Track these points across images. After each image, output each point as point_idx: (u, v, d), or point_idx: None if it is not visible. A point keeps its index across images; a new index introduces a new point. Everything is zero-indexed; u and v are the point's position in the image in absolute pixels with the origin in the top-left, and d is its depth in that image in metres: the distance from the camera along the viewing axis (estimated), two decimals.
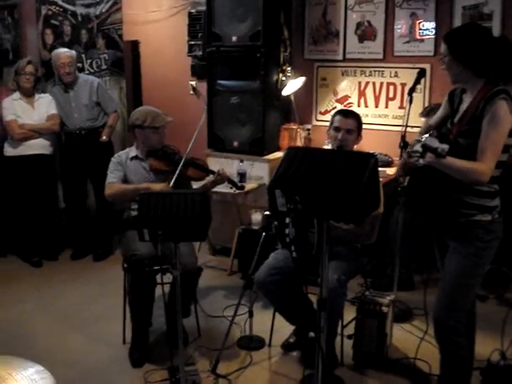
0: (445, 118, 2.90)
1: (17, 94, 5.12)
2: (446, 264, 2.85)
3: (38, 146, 5.14)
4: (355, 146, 3.64)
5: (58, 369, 3.28)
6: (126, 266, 3.71)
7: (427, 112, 4.25)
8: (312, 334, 3.58)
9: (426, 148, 2.57)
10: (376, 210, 2.59)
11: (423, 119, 4.28)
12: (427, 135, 2.64)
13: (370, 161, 2.09)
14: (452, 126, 2.78)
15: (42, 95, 5.20)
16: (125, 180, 3.86)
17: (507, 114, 2.57)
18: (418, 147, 2.59)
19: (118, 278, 3.92)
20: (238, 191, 4.32)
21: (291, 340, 3.75)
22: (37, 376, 1.41)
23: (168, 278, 3.22)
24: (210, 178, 3.93)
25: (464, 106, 2.75)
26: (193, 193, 3.16)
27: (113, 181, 3.82)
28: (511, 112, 2.57)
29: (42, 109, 5.16)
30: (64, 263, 5.37)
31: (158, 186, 3.72)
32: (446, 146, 2.53)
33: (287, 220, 3.24)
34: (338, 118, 3.56)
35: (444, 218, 2.80)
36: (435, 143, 2.55)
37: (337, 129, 3.53)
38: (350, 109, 4.61)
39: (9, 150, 5.15)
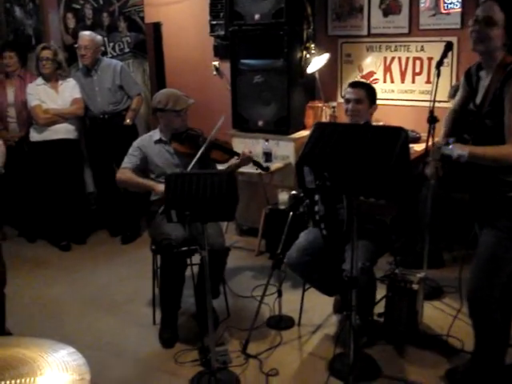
0: (465, 101, 2.84)
1: (40, 80, 5.14)
2: (481, 239, 2.81)
3: (63, 131, 5.15)
4: (374, 115, 3.61)
5: (89, 351, 3.26)
6: (154, 248, 3.71)
7: (454, 92, 4.16)
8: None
9: (445, 157, 2.59)
10: (409, 184, 2.54)
11: (452, 100, 4.20)
12: (443, 144, 2.62)
13: (401, 134, 2.04)
14: (475, 108, 2.71)
15: (67, 80, 5.20)
16: (146, 164, 3.85)
17: None
18: (437, 157, 2.66)
19: (147, 260, 3.93)
20: (263, 172, 4.29)
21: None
22: (68, 358, 1.41)
23: (197, 259, 3.22)
24: (235, 160, 3.90)
25: (483, 84, 2.69)
26: (219, 173, 3.14)
27: (126, 166, 3.84)
28: None
29: (66, 93, 5.17)
30: (92, 247, 5.41)
31: (162, 186, 3.67)
32: (464, 153, 2.52)
33: (316, 197, 3.20)
34: (347, 90, 3.61)
35: (481, 196, 2.76)
36: (453, 152, 2.56)
37: (347, 101, 3.56)
38: (359, 80, 4.53)
39: (34, 136, 5.18)
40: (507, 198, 2.66)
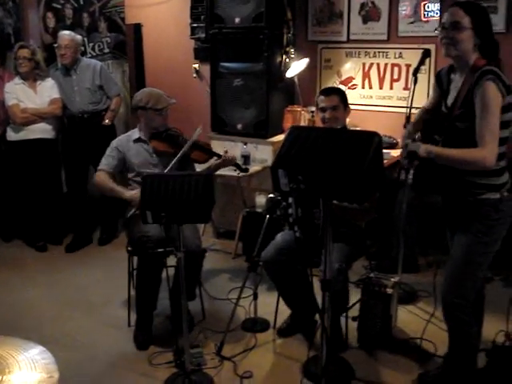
0: (436, 103, 2.89)
1: (18, 79, 5.09)
2: (454, 242, 2.84)
3: (41, 131, 5.11)
4: (347, 120, 3.65)
5: (63, 352, 3.29)
6: (130, 249, 3.71)
7: None
8: (317, 317, 3.58)
9: (411, 154, 2.61)
10: (380, 188, 2.58)
11: None
12: (410, 141, 2.66)
13: (374, 139, 2.07)
14: (447, 110, 2.75)
15: (45, 79, 5.17)
16: (124, 164, 3.85)
17: (496, 95, 2.54)
18: (404, 153, 2.67)
19: (123, 262, 3.92)
20: (242, 174, 4.31)
21: (285, 325, 3.75)
22: (38, 357, 1.40)
23: (173, 260, 3.22)
24: (215, 160, 3.91)
25: (455, 86, 2.73)
26: (196, 174, 3.16)
27: (102, 168, 3.84)
28: (499, 90, 2.54)
29: (44, 93, 5.13)
30: None
31: (128, 194, 3.70)
32: (431, 149, 2.59)
33: (290, 200, 3.23)
34: (321, 98, 3.60)
35: (452, 197, 2.79)
36: (419, 147, 2.61)
37: (322, 109, 3.57)
38: (330, 86, 4.55)
39: (11, 135, 5.13)
40: (479, 200, 2.69)
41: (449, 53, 2.68)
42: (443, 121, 2.72)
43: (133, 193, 3.67)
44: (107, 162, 3.83)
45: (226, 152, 3.94)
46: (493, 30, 2.69)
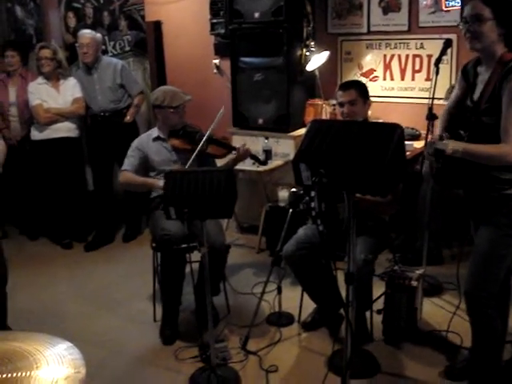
0: (461, 97, 2.84)
1: (41, 79, 5.15)
2: (478, 235, 2.82)
3: (64, 130, 5.17)
4: (369, 112, 3.62)
5: (90, 348, 3.32)
6: (154, 245, 3.73)
7: (451, 93, 4.17)
8: (342, 311, 3.58)
9: (438, 152, 2.60)
10: (403, 180, 2.56)
11: None
12: (437, 138, 2.64)
13: (396, 131, 2.05)
14: (472, 104, 2.72)
15: (68, 79, 5.22)
16: (146, 163, 3.87)
17: None
18: (431, 151, 2.65)
19: (148, 258, 3.95)
20: (261, 167, 4.31)
21: (309, 319, 3.76)
22: (65, 352, 1.42)
23: (197, 256, 3.24)
24: (233, 155, 3.92)
25: (481, 79, 2.69)
26: (218, 170, 3.16)
27: (126, 168, 3.86)
28: None
29: (67, 92, 5.18)
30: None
31: (161, 183, 3.70)
32: (458, 147, 2.55)
33: (312, 193, 3.22)
34: (339, 93, 3.58)
35: (476, 193, 2.77)
36: (446, 146, 2.58)
37: (341, 104, 3.56)
38: (349, 80, 4.51)
39: (35, 134, 5.19)
40: (503, 195, 2.66)
41: (473, 46, 2.64)
42: (469, 115, 2.68)
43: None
44: (129, 162, 3.87)
45: (244, 145, 3.94)
46: None
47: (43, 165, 5.22)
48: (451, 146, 2.58)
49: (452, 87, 4.28)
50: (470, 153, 2.58)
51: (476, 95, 2.70)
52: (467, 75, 2.80)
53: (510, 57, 2.57)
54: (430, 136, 3.06)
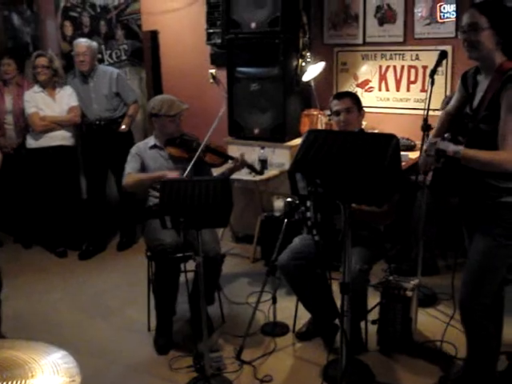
0: (460, 104, 2.86)
1: (37, 87, 5.15)
2: (472, 245, 2.82)
3: (60, 138, 5.16)
4: (364, 123, 3.63)
5: (84, 356, 3.29)
6: (149, 254, 3.73)
7: (447, 103, 4.19)
8: (337, 321, 3.58)
9: (440, 152, 2.60)
10: (399, 190, 2.57)
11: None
12: (439, 139, 2.65)
13: (392, 141, 2.06)
14: (472, 112, 2.73)
15: (64, 87, 5.22)
16: (143, 170, 3.88)
17: None
18: (432, 152, 2.64)
19: (142, 267, 3.95)
20: (258, 176, 4.31)
21: (304, 329, 3.75)
22: (60, 361, 1.42)
23: (192, 265, 3.24)
24: (229, 164, 3.93)
25: (481, 88, 2.71)
26: (214, 179, 3.17)
27: (129, 171, 3.85)
28: None
29: (63, 101, 5.18)
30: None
31: (171, 174, 3.72)
32: (459, 149, 2.55)
33: (308, 203, 3.23)
34: (334, 102, 3.59)
35: (471, 200, 2.77)
36: (448, 147, 2.60)
37: (336, 113, 3.56)
38: (343, 91, 4.53)
39: (31, 142, 5.19)
40: (497, 203, 2.66)
41: (471, 55, 2.66)
42: (467, 122, 2.71)
43: (176, 173, 3.72)
44: (131, 166, 3.86)
45: (243, 155, 3.95)
46: None
47: (38, 173, 5.21)
48: (452, 146, 2.60)
49: (448, 98, 4.29)
50: (469, 157, 2.59)
51: (475, 103, 2.72)
52: (466, 83, 2.82)
53: (509, 66, 2.58)
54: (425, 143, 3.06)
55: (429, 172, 2.89)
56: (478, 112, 2.67)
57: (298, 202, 3.49)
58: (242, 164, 3.92)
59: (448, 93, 4.74)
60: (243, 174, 4.49)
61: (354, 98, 3.59)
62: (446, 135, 2.73)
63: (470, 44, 2.63)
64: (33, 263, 5.19)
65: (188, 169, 3.67)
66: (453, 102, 2.95)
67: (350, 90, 5.28)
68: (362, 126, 5.06)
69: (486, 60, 2.67)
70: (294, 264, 3.43)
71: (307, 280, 3.49)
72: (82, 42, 5.18)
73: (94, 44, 5.27)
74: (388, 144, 2.04)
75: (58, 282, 4.77)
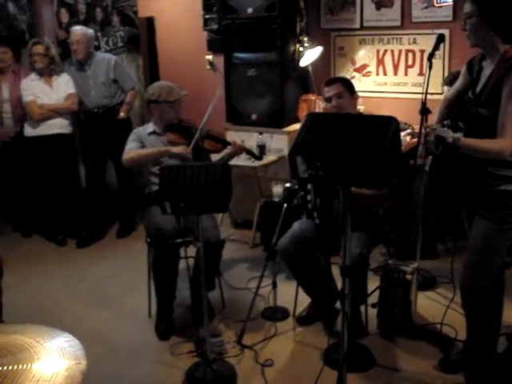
0: (463, 90, 2.87)
1: (34, 75, 5.13)
2: (472, 230, 2.84)
3: (58, 126, 5.15)
4: (362, 107, 3.62)
5: (84, 344, 3.28)
6: (149, 240, 3.73)
7: (450, 80, 4.18)
8: (337, 305, 3.59)
9: (439, 139, 2.62)
10: (399, 174, 2.57)
11: (446, 88, 4.23)
12: (439, 125, 2.66)
13: (392, 123, 2.06)
14: (474, 96, 2.74)
15: (61, 75, 5.20)
16: None
17: None
18: (432, 138, 2.65)
19: (142, 254, 3.95)
20: (256, 162, 4.31)
21: (304, 313, 3.77)
22: (66, 344, 1.42)
23: (192, 251, 3.25)
24: (228, 149, 3.93)
25: (485, 73, 2.71)
26: (213, 165, 3.17)
27: (131, 147, 3.82)
28: None
29: (60, 88, 5.16)
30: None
31: (176, 149, 3.71)
32: (458, 136, 2.57)
33: (309, 186, 3.23)
34: (325, 89, 3.59)
35: (469, 187, 2.78)
36: (448, 134, 2.60)
37: (328, 99, 3.56)
38: (334, 77, 4.51)
39: (29, 131, 5.17)
40: (495, 191, 2.68)
41: (470, 42, 2.71)
42: (469, 107, 2.71)
43: (181, 148, 3.71)
44: (132, 145, 3.83)
45: (242, 141, 3.95)
46: None
47: (36, 161, 5.20)
48: (451, 133, 2.61)
49: (452, 74, 4.27)
50: (468, 145, 2.60)
51: (478, 88, 2.73)
52: (472, 69, 2.83)
53: None
54: (423, 130, 3.06)
55: (428, 156, 2.90)
56: (480, 96, 2.67)
57: (296, 187, 3.49)
58: (240, 149, 3.92)
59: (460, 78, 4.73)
60: (242, 160, 4.49)
61: (345, 83, 3.58)
62: (445, 122, 2.74)
63: (466, 31, 2.69)
64: (32, 252, 5.20)
65: (190, 147, 3.67)
66: (455, 87, 2.96)
67: (347, 74, 5.29)
68: (360, 111, 5.07)
69: (486, 47, 2.70)
70: (294, 248, 3.43)
71: (307, 264, 3.50)
72: (77, 30, 5.14)
73: (90, 31, 5.23)
74: (388, 125, 2.04)
75: (58, 270, 4.78)
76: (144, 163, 3.88)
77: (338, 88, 3.52)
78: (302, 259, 3.47)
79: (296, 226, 3.57)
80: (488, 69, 2.71)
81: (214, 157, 4.04)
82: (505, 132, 2.55)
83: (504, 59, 2.60)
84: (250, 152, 4.08)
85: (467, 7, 2.66)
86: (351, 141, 2.03)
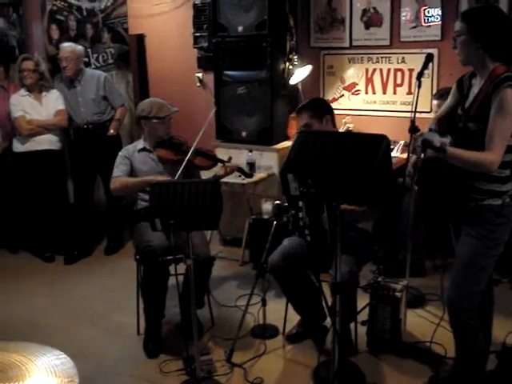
0: (454, 107, 2.89)
1: (24, 91, 5.12)
2: (458, 246, 2.85)
3: (47, 142, 5.14)
4: (351, 126, 3.62)
5: (73, 361, 3.28)
6: (138, 257, 3.72)
7: (440, 95, 4.23)
8: (327, 322, 3.58)
9: (426, 143, 2.64)
10: (390, 190, 2.58)
11: (435, 102, 4.27)
12: (427, 130, 2.68)
13: (383, 142, 2.08)
14: (462, 112, 2.77)
15: (50, 91, 5.20)
16: (132, 173, 3.86)
17: None
18: (419, 142, 2.68)
19: (130, 271, 3.94)
20: (247, 180, 4.32)
21: (294, 331, 3.75)
22: (57, 361, 1.41)
23: (182, 268, 3.23)
24: (219, 168, 3.94)
25: (474, 91, 2.75)
26: (204, 181, 3.17)
27: (118, 174, 3.83)
28: None
29: (50, 104, 5.16)
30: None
31: (162, 178, 3.71)
32: (446, 140, 2.58)
33: (300, 204, 3.23)
34: (297, 119, 3.58)
35: (454, 202, 2.80)
36: (434, 138, 2.63)
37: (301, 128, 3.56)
38: (302, 103, 4.46)
39: (17, 146, 5.15)
40: (480, 206, 2.71)
41: (460, 60, 2.75)
42: (457, 122, 2.74)
43: (164, 178, 3.71)
44: (120, 169, 3.84)
45: (230, 159, 3.96)
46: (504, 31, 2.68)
47: (25, 177, 5.18)
48: (438, 138, 2.63)
49: (442, 90, 4.31)
50: (457, 154, 2.62)
51: (467, 104, 2.76)
52: (462, 86, 2.86)
53: (501, 71, 2.63)
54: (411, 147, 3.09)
55: (416, 174, 2.92)
56: (468, 111, 2.70)
57: (286, 204, 3.49)
58: (233, 169, 3.94)
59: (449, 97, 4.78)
60: (231, 177, 4.49)
61: (312, 110, 3.52)
62: (432, 126, 2.77)
63: (457, 50, 2.73)
64: (19, 268, 5.15)
65: (179, 171, 3.67)
66: (444, 106, 2.98)
67: (336, 92, 5.34)
68: (350, 129, 5.11)
69: (476, 65, 2.73)
70: (284, 264, 3.43)
71: (296, 281, 3.50)
72: (66, 48, 5.15)
73: (79, 48, 5.23)
74: (379, 144, 2.06)
75: (46, 286, 4.74)
76: (132, 192, 3.90)
77: (304, 119, 3.50)
78: (292, 275, 3.47)
79: (286, 242, 3.57)
80: (477, 86, 2.74)
81: (204, 173, 4.05)
82: (493, 146, 2.57)
83: (492, 76, 2.63)
84: (241, 170, 4.10)
85: (457, 25, 2.70)
86: (343, 158, 2.05)
